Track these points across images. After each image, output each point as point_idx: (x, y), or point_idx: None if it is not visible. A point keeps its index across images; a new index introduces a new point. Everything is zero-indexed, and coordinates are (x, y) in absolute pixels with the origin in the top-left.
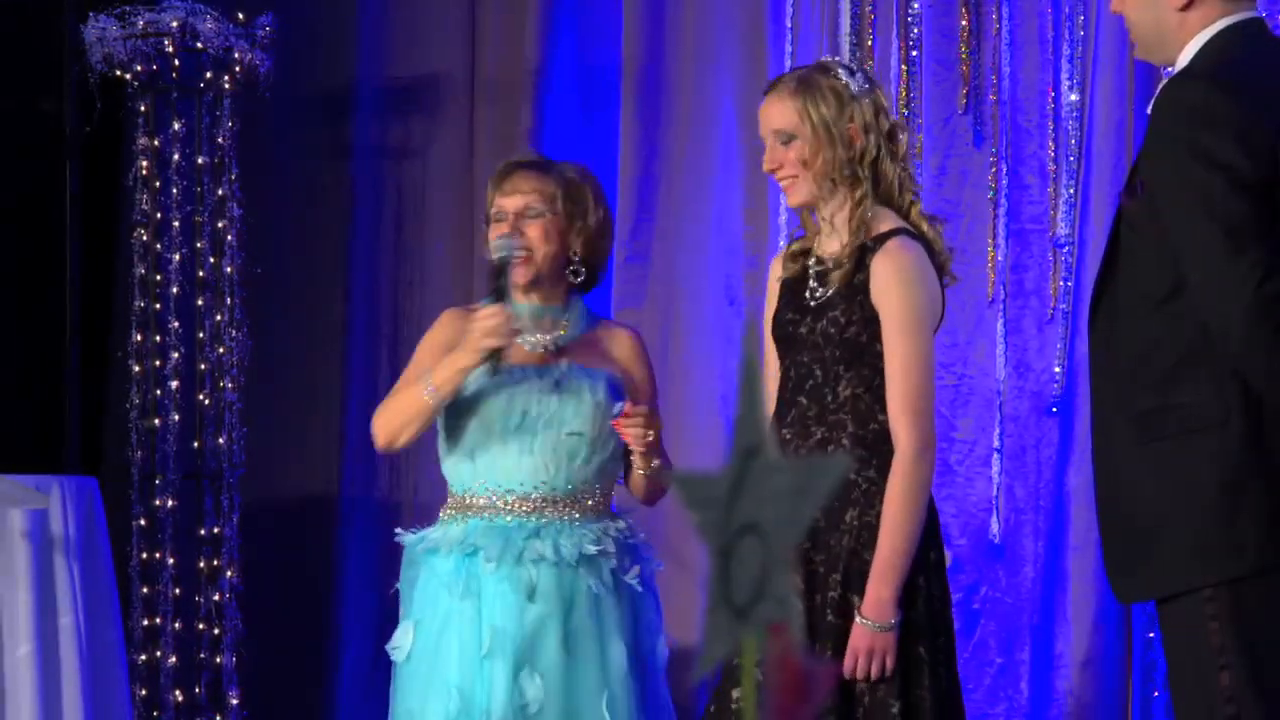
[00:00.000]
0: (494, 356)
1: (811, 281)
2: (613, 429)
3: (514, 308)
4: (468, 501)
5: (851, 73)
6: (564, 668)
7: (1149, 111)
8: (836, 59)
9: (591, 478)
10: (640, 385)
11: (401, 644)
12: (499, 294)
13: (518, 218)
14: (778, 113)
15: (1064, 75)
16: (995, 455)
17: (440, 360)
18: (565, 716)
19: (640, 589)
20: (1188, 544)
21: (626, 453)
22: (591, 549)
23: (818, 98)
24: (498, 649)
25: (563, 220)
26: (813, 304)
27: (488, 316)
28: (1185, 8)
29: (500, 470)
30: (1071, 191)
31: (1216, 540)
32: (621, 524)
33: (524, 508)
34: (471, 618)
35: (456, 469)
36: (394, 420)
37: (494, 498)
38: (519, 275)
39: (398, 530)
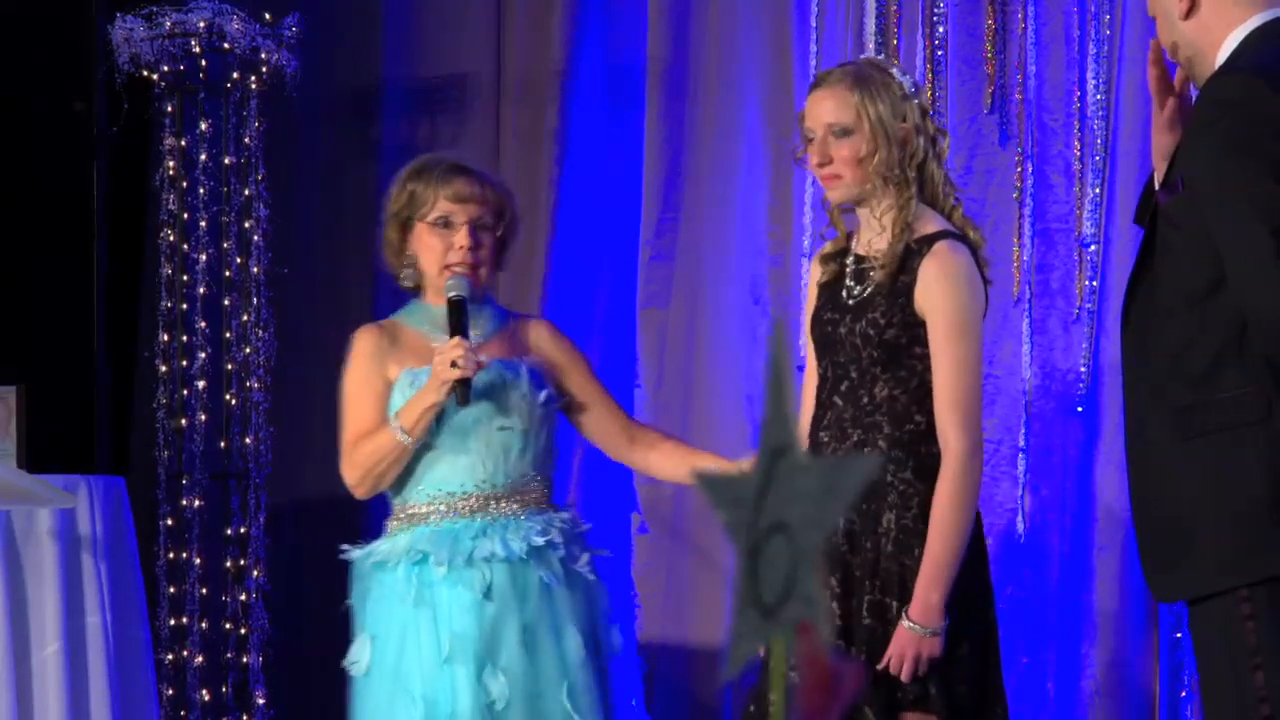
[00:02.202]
0: (462, 388)
1: (849, 280)
2: (544, 418)
3: (429, 310)
4: (411, 510)
5: (903, 73)
6: (524, 662)
7: (1191, 108)
8: (889, 61)
9: (529, 469)
10: (569, 364)
11: (359, 658)
12: (459, 329)
13: (474, 230)
14: (833, 106)
15: (1090, 74)
16: (1020, 455)
17: (372, 391)
18: (529, 710)
19: (592, 577)
20: (1230, 541)
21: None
22: (539, 540)
23: (875, 95)
24: (459, 652)
25: (504, 234)
26: (851, 302)
27: (450, 350)
28: (1187, 15)
29: (438, 475)
30: (1097, 191)
31: (1260, 537)
32: (565, 514)
33: (467, 508)
34: (429, 625)
35: (396, 480)
36: (373, 470)
37: (436, 502)
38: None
39: (344, 546)
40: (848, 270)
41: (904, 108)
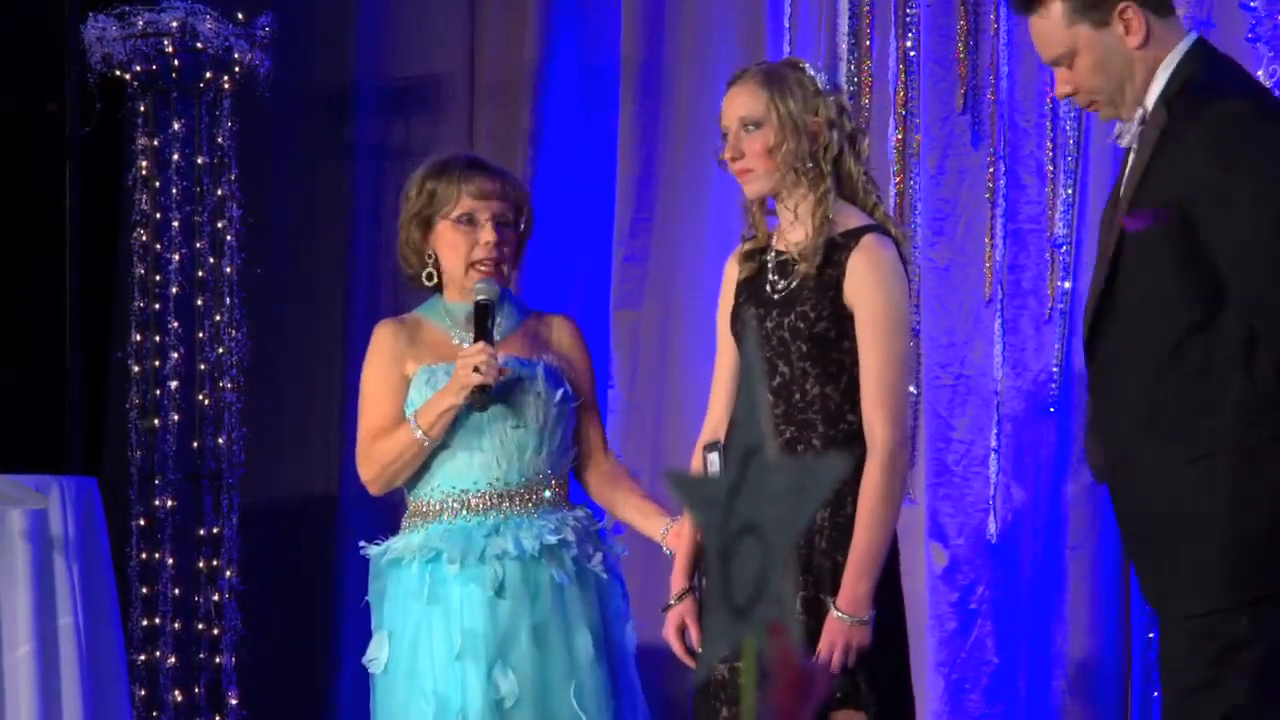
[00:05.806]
0: (480, 394)
1: (771, 275)
2: (559, 417)
3: (449, 307)
4: (425, 508)
5: (818, 71)
6: (534, 660)
7: (1161, 133)
8: (803, 60)
9: (544, 468)
10: (580, 370)
11: (377, 656)
12: (483, 334)
13: (498, 227)
14: (744, 101)
15: None
16: (993, 455)
17: (390, 387)
18: (538, 708)
19: (605, 575)
20: (1236, 558)
21: (576, 442)
22: (552, 539)
23: (785, 89)
24: (469, 649)
25: (523, 231)
26: (775, 296)
27: (473, 355)
28: (1144, 45)
29: (451, 473)
30: (1069, 192)
31: (1267, 555)
32: (580, 512)
33: (480, 505)
34: (441, 622)
35: (411, 478)
36: (389, 467)
37: (449, 500)
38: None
39: (362, 544)
40: (768, 265)
41: (816, 102)
